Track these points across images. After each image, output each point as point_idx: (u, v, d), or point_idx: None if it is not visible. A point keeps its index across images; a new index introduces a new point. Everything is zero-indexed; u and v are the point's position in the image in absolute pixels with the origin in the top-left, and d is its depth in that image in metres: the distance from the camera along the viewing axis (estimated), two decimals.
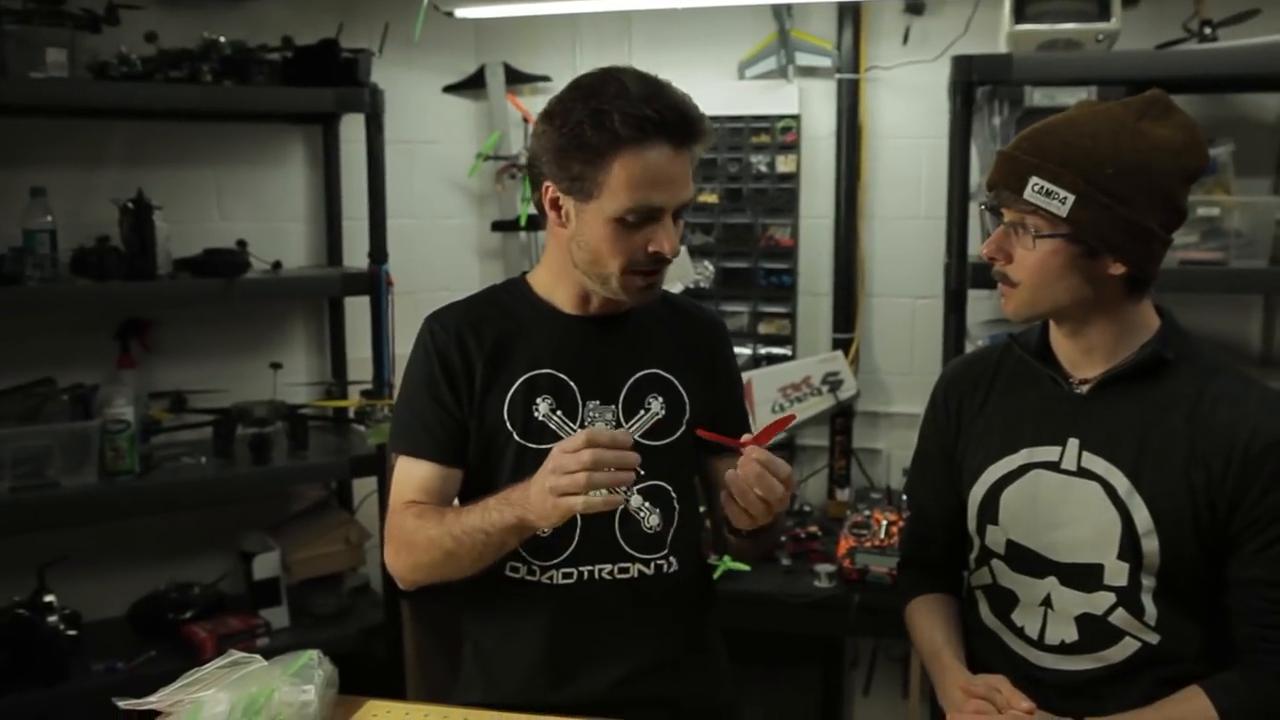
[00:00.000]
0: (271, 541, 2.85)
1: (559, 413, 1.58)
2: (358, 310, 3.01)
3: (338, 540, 2.90)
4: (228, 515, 2.97)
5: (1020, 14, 2.48)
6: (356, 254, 3.02)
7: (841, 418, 3.06)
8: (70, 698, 2.49)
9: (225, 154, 2.98)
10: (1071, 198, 1.41)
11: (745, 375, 2.96)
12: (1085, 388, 1.52)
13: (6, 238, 2.51)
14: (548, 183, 1.53)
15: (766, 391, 2.97)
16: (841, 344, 3.07)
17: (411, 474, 1.60)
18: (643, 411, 1.61)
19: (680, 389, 1.64)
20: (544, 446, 1.56)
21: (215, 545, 3.00)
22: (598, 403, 1.60)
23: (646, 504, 1.60)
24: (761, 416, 2.95)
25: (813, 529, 2.85)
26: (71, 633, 2.57)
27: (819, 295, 3.12)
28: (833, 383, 3.00)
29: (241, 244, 2.77)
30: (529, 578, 1.59)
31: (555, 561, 1.57)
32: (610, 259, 1.51)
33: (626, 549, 1.59)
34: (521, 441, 1.58)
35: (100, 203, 2.66)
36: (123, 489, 2.57)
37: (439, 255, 3.25)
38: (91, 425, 2.56)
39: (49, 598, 2.55)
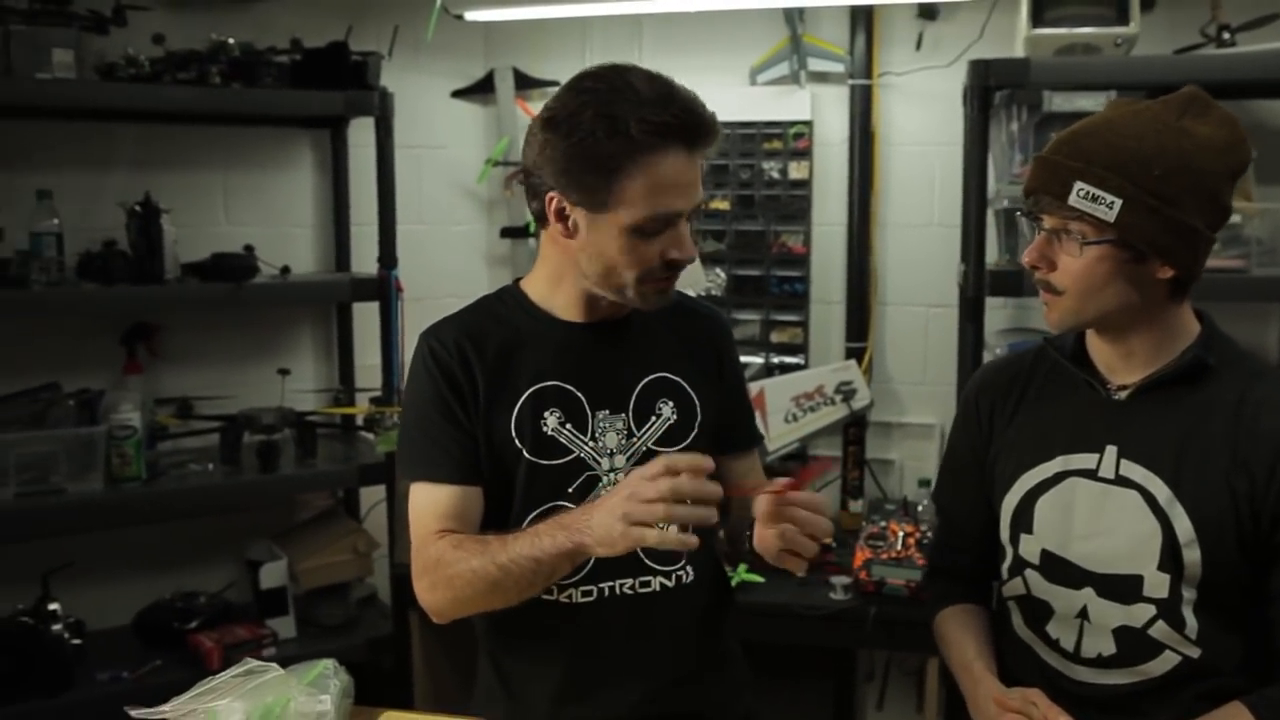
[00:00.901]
0: (278, 550, 2.81)
1: (569, 425, 1.53)
2: (366, 317, 2.97)
3: (345, 549, 2.86)
4: (234, 523, 2.93)
5: (1038, 18, 2.45)
6: (364, 260, 2.99)
7: (854, 428, 3.02)
8: (74, 707, 2.45)
9: (233, 157, 2.95)
10: (1119, 202, 1.38)
11: (757, 384, 2.93)
12: (1124, 394, 1.50)
13: (13, 241, 2.48)
14: (553, 194, 1.45)
15: (779, 401, 2.94)
16: (854, 353, 3.04)
17: (434, 500, 1.52)
18: (654, 418, 1.57)
19: (690, 391, 1.60)
20: (555, 462, 1.52)
21: (222, 554, 2.96)
22: (607, 412, 1.55)
23: None
24: (774, 426, 2.92)
25: (827, 540, 2.80)
26: (76, 641, 2.55)
27: (832, 303, 3.10)
28: (846, 392, 2.96)
29: (249, 249, 2.74)
30: (547, 597, 1.52)
31: (575, 579, 1.52)
32: (626, 270, 1.46)
33: (646, 561, 1.54)
34: (531, 458, 1.52)
35: (107, 206, 2.63)
36: (129, 496, 2.53)
37: (448, 261, 3.22)
38: (97, 431, 2.52)
39: (53, 605, 2.51)
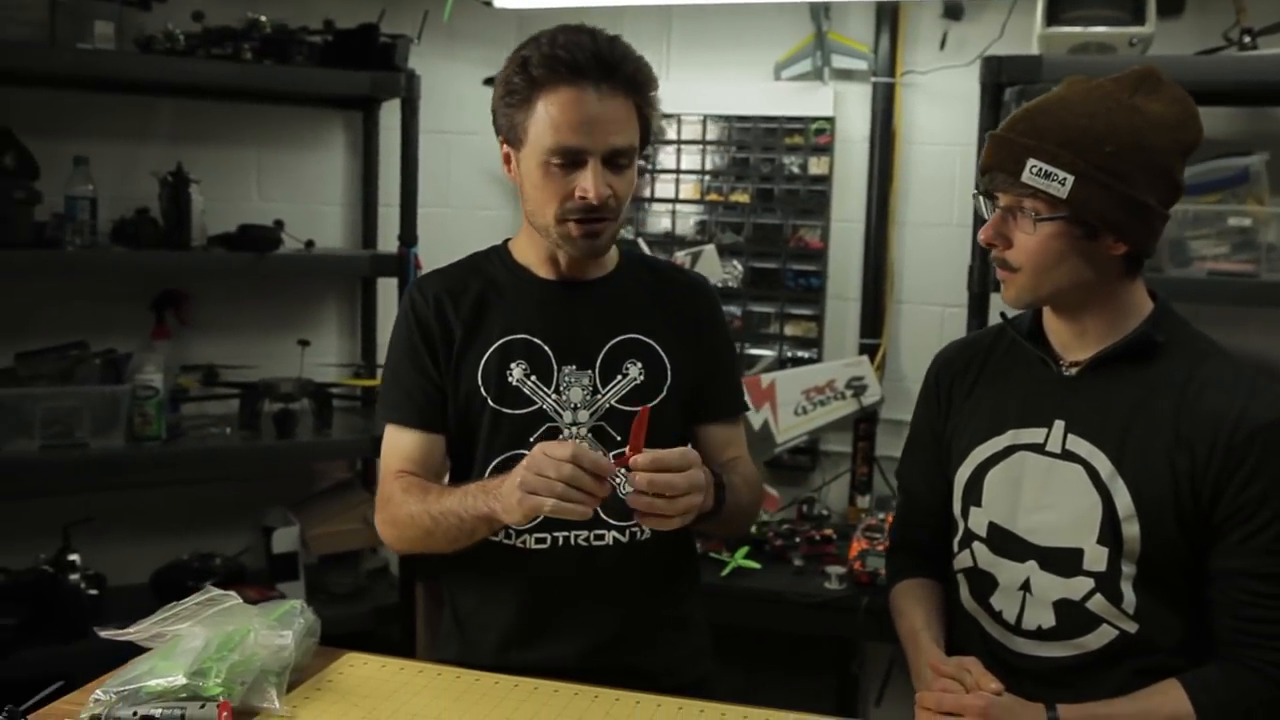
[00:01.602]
0: (292, 517, 2.89)
1: (533, 378, 1.60)
2: (390, 294, 3.06)
3: (356, 519, 2.93)
4: (253, 490, 3.03)
5: (1052, 16, 2.47)
6: (391, 240, 3.06)
7: (865, 424, 3.03)
8: (87, 654, 2.52)
9: (267, 135, 3.05)
10: (1071, 178, 1.39)
11: (769, 376, 2.95)
12: (1074, 370, 1.50)
13: (51, 206, 2.58)
14: (501, 137, 1.59)
15: (790, 393, 2.95)
16: (868, 349, 3.05)
17: (398, 442, 1.63)
18: (620, 377, 1.62)
19: (661, 354, 1.64)
20: (518, 412, 1.59)
21: (241, 520, 3.06)
22: (574, 367, 1.60)
23: (623, 470, 1.59)
24: (784, 418, 2.93)
25: (828, 532, 2.82)
26: (93, 592, 2.63)
27: (847, 299, 3.11)
28: (857, 388, 2.97)
29: (279, 224, 2.82)
30: (504, 541, 1.60)
31: (529, 526, 1.57)
32: (545, 205, 1.54)
33: (601, 515, 1.58)
34: (496, 407, 1.59)
35: (143, 177, 2.74)
36: (148, 453, 2.63)
37: (471, 244, 3.18)
38: (122, 389, 2.62)
39: (73, 556, 2.60)
